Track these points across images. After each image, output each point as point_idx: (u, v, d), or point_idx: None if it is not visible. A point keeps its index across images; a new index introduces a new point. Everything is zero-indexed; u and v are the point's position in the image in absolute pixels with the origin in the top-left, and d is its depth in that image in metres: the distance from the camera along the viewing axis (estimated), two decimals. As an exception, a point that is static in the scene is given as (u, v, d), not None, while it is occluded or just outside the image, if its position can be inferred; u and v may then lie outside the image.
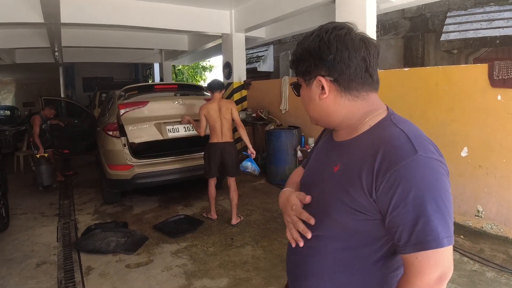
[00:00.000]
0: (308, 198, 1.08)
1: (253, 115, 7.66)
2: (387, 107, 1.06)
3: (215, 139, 4.46)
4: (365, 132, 1.02)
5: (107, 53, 11.89)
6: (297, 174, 1.33)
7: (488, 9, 6.73)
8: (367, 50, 0.99)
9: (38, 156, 6.15)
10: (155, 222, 4.67)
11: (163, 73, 13.85)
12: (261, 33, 8.77)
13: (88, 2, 6.30)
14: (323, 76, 1.01)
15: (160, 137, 5.08)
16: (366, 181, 0.92)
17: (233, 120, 4.53)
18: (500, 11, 6.50)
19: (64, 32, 7.67)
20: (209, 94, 4.77)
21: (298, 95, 1.14)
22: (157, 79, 14.66)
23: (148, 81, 17.20)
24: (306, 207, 1.10)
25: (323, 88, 1.02)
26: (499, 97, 4.06)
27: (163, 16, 7.07)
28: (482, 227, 4.12)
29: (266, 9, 6.75)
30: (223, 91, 4.65)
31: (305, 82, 1.08)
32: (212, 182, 4.63)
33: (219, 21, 7.75)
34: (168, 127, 5.14)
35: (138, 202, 5.52)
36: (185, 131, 5.28)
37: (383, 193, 0.89)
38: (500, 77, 4.04)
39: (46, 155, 6.27)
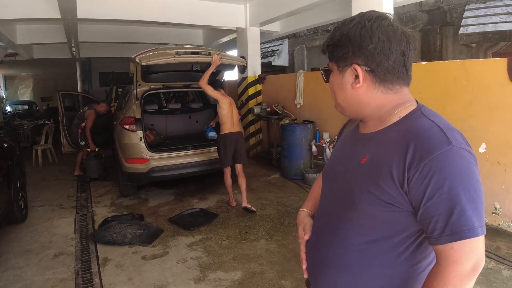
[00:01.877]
0: (306, 237, 1.20)
1: (268, 109, 7.65)
2: (416, 101, 1.05)
3: (229, 129, 4.74)
4: (395, 124, 1.01)
5: (123, 48, 11.95)
6: (318, 186, 1.34)
7: (507, 1, 6.59)
8: (407, 44, 0.98)
9: (89, 150, 6.48)
10: (170, 215, 4.73)
11: (178, 68, 13.88)
12: (275, 27, 8.74)
13: (103, -3, 6.38)
14: (359, 65, 0.99)
15: None
16: (397, 172, 0.91)
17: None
18: (520, 3, 6.34)
19: (81, 28, 7.79)
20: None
21: (327, 81, 1.11)
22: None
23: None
24: (329, 197, 1.14)
25: (357, 77, 1.00)
26: (518, 92, 3.97)
27: (178, 11, 7.11)
28: (499, 225, 4.05)
29: (281, 2, 6.71)
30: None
31: (338, 69, 1.04)
32: (228, 172, 4.86)
33: (233, 15, 7.75)
34: None
35: (154, 195, 5.59)
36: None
37: (416, 184, 0.88)
38: (520, 72, 3.95)
39: (97, 149, 6.56)
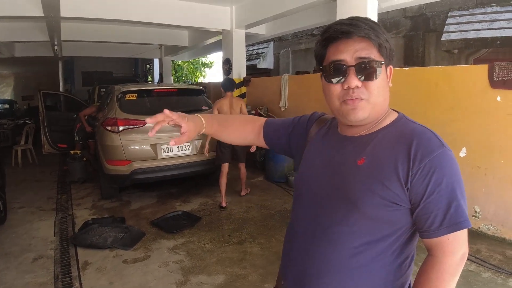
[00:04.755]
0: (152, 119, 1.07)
1: (252, 112, 7.64)
2: None
3: None
4: (386, 127, 1.05)
5: (107, 48, 11.85)
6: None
7: (489, 9, 6.74)
8: None
9: (72, 152, 6.48)
10: (152, 217, 4.67)
11: (162, 69, 13.82)
12: (261, 30, 8.75)
13: (88, -4, 6.28)
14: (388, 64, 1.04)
15: (154, 157, 5.07)
16: (402, 170, 0.95)
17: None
18: (502, 12, 6.50)
19: (64, 26, 7.65)
20: (206, 108, 5.51)
21: (371, 78, 0.98)
22: (156, 75, 14.62)
23: (147, 76, 17.16)
24: (314, 203, 1.10)
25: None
26: (498, 98, 4.05)
27: (164, 11, 7.05)
28: (479, 228, 4.12)
29: (267, 5, 6.73)
30: (234, 91, 5.41)
31: (385, 63, 1.02)
32: (224, 171, 5.09)
33: (219, 17, 7.72)
34: (163, 147, 5.12)
35: (136, 198, 5.52)
36: (179, 150, 5.23)
37: (418, 181, 0.94)
38: (500, 78, 4.03)
39: (79, 152, 6.57)
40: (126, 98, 5.24)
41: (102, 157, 5.10)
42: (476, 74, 4.21)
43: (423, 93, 4.57)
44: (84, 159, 6.48)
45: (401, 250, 1.02)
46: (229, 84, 5.30)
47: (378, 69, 0.98)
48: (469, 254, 3.39)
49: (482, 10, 6.81)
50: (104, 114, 5.45)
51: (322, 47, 1.05)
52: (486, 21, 6.47)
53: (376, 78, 0.98)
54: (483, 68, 4.16)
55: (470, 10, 7.01)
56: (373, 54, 0.98)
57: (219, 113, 5.01)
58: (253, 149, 5.48)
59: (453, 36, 6.53)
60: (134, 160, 4.94)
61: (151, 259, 3.60)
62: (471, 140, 4.17)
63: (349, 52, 0.98)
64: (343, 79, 0.99)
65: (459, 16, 7.00)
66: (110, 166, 4.96)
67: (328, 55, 1.03)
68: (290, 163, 6.32)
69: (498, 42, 5.97)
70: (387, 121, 1.06)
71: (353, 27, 0.97)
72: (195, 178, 6.06)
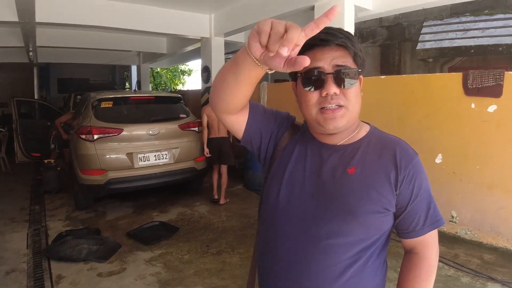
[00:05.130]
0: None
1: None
2: None
3: (214, 134, 5.43)
4: (366, 136, 1.09)
5: (84, 54, 11.61)
6: None
7: (463, 19, 6.92)
8: None
9: (46, 161, 6.30)
10: (129, 228, 4.55)
11: (140, 76, 13.65)
12: (240, 38, 8.74)
13: (64, 1, 6.12)
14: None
15: (130, 166, 4.95)
16: (393, 177, 1.01)
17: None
18: (475, 21, 6.68)
19: (39, 32, 7.45)
20: (184, 116, 5.61)
21: (349, 86, 0.98)
22: (134, 82, 14.43)
23: (125, 84, 16.94)
24: (302, 217, 1.04)
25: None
26: (473, 105, 4.14)
27: (142, 18, 6.95)
28: (457, 233, 4.18)
29: (246, 14, 6.73)
30: None
31: (360, 73, 1.02)
32: (216, 169, 5.58)
33: (198, 24, 7.67)
34: (139, 156, 5.01)
35: (112, 208, 5.37)
36: (156, 159, 5.14)
37: (405, 187, 1.02)
38: (474, 86, 4.13)
39: (52, 161, 6.38)
40: (101, 106, 5.13)
41: (76, 166, 4.97)
42: (450, 82, 4.30)
43: (400, 101, 4.63)
44: (59, 168, 6.30)
45: (382, 252, 1.08)
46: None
47: (355, 77, 0.99)
48: (447, 259, 3.46)
49: (456, 20, 6.98)
50: (78, 122, 5.31)
51: (298, 54, 1.03)
52: (460, 30, 6.64)
53: (353, 86, 0.99)
54: (458, 76, 4.25)
55: (445, 20, 7.18)
56: (349, 62, 0.99)
57: (208, 118, 5.38)
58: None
59: (428, 45, 6.67)
60: (110, 169, 4.82)
61: (127, 272, 3.49)
62: (446, 146, 4.24)
63: (327, 60, 0.97)
64: (322, 87, 0.97)
65: (434, 25, 7.16)
66: (84, 175, 4.83)
67: None
68: (269, 171, 6.29)
69: (472, 51, 6.13)
70: (363, 132, 1.10)
71: (330, 35, 0.97)
72: (173, 187, 5.95)
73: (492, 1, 6.68)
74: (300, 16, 6.42)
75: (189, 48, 9.60)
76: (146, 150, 5.07)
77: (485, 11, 6.81)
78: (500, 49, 5.85)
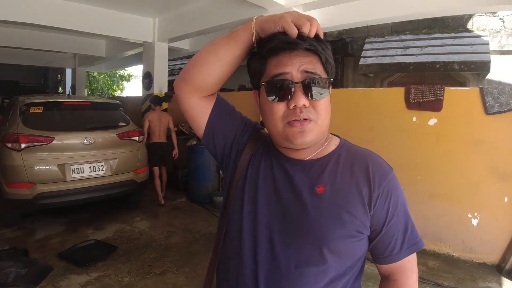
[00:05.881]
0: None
1: (175, 129, 7.31)
2: None
3: (155, 139, 5.87)
4: (335, 150, 0.98)
5: (13, 54, 10.71)
6: None
7: (403, 37, 7.29)
8: None
9: None
10: (61, 248, 4.08)
11: (75, 80, 12.85)
12: (185, 45, 8.53)
13: (-11, -5, 5.54)
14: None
15: (62, 179, 4.49)
16: (366, 195, 0.90)
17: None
18: (414, 39, 7.05)
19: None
20: (123, 124, 5.35)
21: (319, 97, 0.88)
22: (68, 86, 13.55)
23: (58, 88, 15.91)
24: (276, 240, 0.91)
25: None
26: (414, 119, 4.34)
27: (79, 17, 6.46)
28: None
29: (192, 20, 6.54)
30: (162, 105, 6.31)
31: (330, 83, 0.91)
32: (156, 174, 5.88)
33: (141, 28, 7.33)
34: (72, 167, 4.57)
35: (42, 225, 4.83)
36: (91, 171, 4.73)
37: (380, 206, 0.91)
38: (415, 100, 4.30)
39: None
40: (30, 111, 4.63)
41: (1, 178, 4.41)
42: (393, 96, 4.46)
43: (345, 113, 4.72)
44: None
45: (356, 280, 0.97)
46: (157, 100, 6.20)
47: (326, 86, 0.89)
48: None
49: (397, 38, 7.33)
50: (4, 129, 4.75)
51: (261, 60, 0.90)
52: (400, 47, 6.95)
53: (324, 97, 0.89)
54: (400, 91, 4.43)
55: (386, 37, 7.51)
56: (319, 69, 0.88)
57: (150, 125, 5.80)
58: (176, 156, 6.17)
59: (370, 61, 6.90)
60: (39, 182, 4.34)
61: (58, 299, 3.10)
62: (390, 158, 4.23)
63: (294, 65, 0.86)
64: (289, 98, 0.86)
65: (376, 42, 7.45)
66: (10, 189, 4.30)
67: (269, 69, 0.89)
68: (214, 182, 6.11)
69: (411, 67, 6.42)
70: (332, 145, 0.99)
71: (299, 38, 0.85)
72: (110, 202, 5.50)
73: (430, 21, 7.04)
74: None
75: (130, 52, 9.21)
76: (80, 161, 4.63)
77: (424, 30, 7.22)
78: (437, 66, 6.17)
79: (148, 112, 6.08)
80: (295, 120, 0.86)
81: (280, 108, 0.88)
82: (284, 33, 0.85)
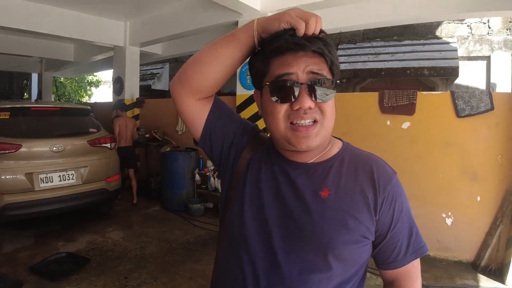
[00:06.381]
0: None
1: (147, 135, 7.17)
2: None
3: (123, 144, 6.10)
4: (338, 153, 0.96)
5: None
6: None
7: (374, 43, 7.45)
8: None
9: None
10: (31, 262, 3.86)
11: (42, 85, 12.38)
12: (157, 49, 8.38)
13: None
14: None
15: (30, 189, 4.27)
16: (371, 199, 0.89)
17: None
18: (385, 46, 7.22)
19: None
20: (94, 130, 5.18)
21: (325, 99, 0.85)
22: (34, 91, 13.04)
23: (24, 94, 15.29)
24: (278, 247, 0.88)
25: None
26: (388, 123, 4.41)
27: (46, 20, 6.20)
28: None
29: (165, 24, 6.43)
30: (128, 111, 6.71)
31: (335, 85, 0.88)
32: (132, 174, 6.34)
33: (112, 31, 7.13)
34: (41, 176, 4.37)
35: (9, 238, 4.56)
36: (60, 180, 4.52)
37: (385, 211, 0.89)
38: (389, 105, 4.38)
39: None
40: (-5, 118, 4.40)
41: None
42: (367, 101, 4.53)
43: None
44: None
45: (360, 284, 0.96)
46: (123, 105, 6.56)
47: (332, 87, 0.86)
48: (373, 269, 3.49)
49: (368, 44, 7.48)
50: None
51: (265, 60, 0.87)
52: (372, 54, 7.09)
53: (330, 99, 0.86)
54: (374, 96, 4.50)
55: (358, 43, 7.65)
56: (325, 71, 0.86)
57: (119, 130, 6.08)
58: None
59: (342, 67, 6.99)
60: (5, 192, 4.10)
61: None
62: None
63: (300, 66, 0.83)
64: (294, 99, 0.83)
65: (348, 48, 7.58)
66: (-27, 201, 4.05)
67: (273, 70, 0.87)
68: (189, 190, 6.00)
69: (383, 73, 6.56)
70: (335, 148, 0.97)
71: (306, 40, 0.83)
72: (80, 212, 5.28)
73: (400, 28, 7.24)
74: (222, 31, 6.32)
75: (99, 57, 8.95)
76: (49, 170, 4.42)
77: (394, 37, 7.41)
78: (408, 71, 6.34)
79: (117, 118, 6.32)
80: (300, 124, 0.84)
81: (283, 108, 0.85)
82: (289, 32, 0.83)
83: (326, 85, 0.84)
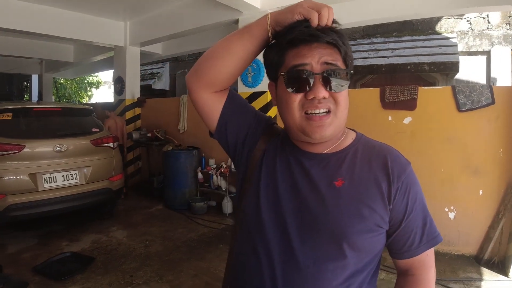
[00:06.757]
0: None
1: (148, 134, 7.18)
2: None
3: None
4: (352, 144, 0.97)
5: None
6: None
7: (374, 40, 7.45)
8: None
9: None
10: (35, 263, 3.86)
11: (42, 87, 12.40)
12: (157, 49, 8.40)
13: None
14: None
15: (34, 189, 4.29)
16: (385, 189, 0.90)
17: None
18: (385, 42, 7.22)
19: None
20: (97, 130, 5.19)
21: (339, 89, 0.87)
22: (35, 93, 13.06)
23: (24, 95, 15.32)
24: (292, 236, 0.90)
25: None
26: (389, 118, 4.42)
27: (46, 21, 6.22)
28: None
29: (165, 23, 6.44)
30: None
31: (349, 75, 0.89)
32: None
33: (112, 32, 7.15)
34: (44, 176, 4.38)
35: (12, 239, 4.59)
36: (64, 180, 4.55)
37: (399, 200, 0.90)
38: (391, 100, 4.39)
39: None
40: (-2, 119, 4.41)
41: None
42: (369, 96, 4.53)
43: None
44: None
45: (373, 277, 0.97)
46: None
47: (346, 78, 0.88)
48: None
49: (368, 41, 7.48)
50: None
51: (280, 51, 0.89)
52: (372, 50, 7.09)
53: (344, 89, 0.89)
54: (375, 91, 4.51)
55: (358, 40, 7.65)
56: (339, 62, 0.88)
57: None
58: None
59: (342, 64, 7.01)
60: (9, 193, 4.12)
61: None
62: None
63: (314, 57, 0.85)
64: (309, 89, 0.86)
65: (348, 45, 7.60)
66: (-24, 202, 4.07)
67: (288, 60, 0.89)
68: (191, 188, 6.01)
69: (383, 69, 6.56)
70: (349, 139, 0.98)
71: (320, 31, 0.85)
72: (82, 212, 5.30)
73: (400, 24, 7.23)
74: (221, 30, 6.34)
75: (100, 57, 8.98)
76: (53, 170, 4.44)
77: (394, 33, 7.41)
78: (408, 67, 6.35)
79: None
80: (314, 113, 0.86)
81: (298, 98, 0.87)
82: (303, 23, 0.85)
83: (341, 75, 0.86)
